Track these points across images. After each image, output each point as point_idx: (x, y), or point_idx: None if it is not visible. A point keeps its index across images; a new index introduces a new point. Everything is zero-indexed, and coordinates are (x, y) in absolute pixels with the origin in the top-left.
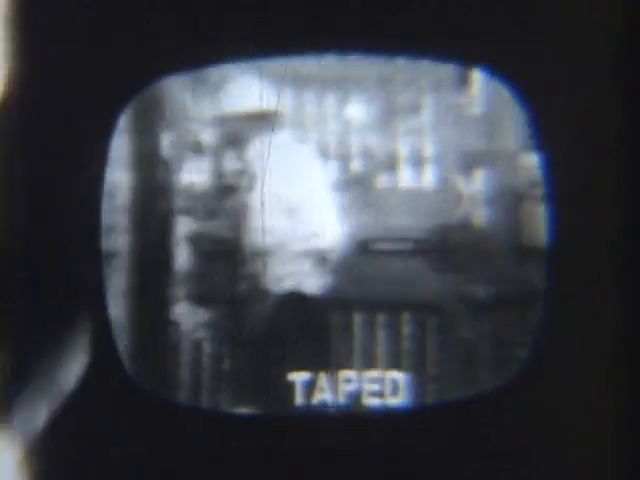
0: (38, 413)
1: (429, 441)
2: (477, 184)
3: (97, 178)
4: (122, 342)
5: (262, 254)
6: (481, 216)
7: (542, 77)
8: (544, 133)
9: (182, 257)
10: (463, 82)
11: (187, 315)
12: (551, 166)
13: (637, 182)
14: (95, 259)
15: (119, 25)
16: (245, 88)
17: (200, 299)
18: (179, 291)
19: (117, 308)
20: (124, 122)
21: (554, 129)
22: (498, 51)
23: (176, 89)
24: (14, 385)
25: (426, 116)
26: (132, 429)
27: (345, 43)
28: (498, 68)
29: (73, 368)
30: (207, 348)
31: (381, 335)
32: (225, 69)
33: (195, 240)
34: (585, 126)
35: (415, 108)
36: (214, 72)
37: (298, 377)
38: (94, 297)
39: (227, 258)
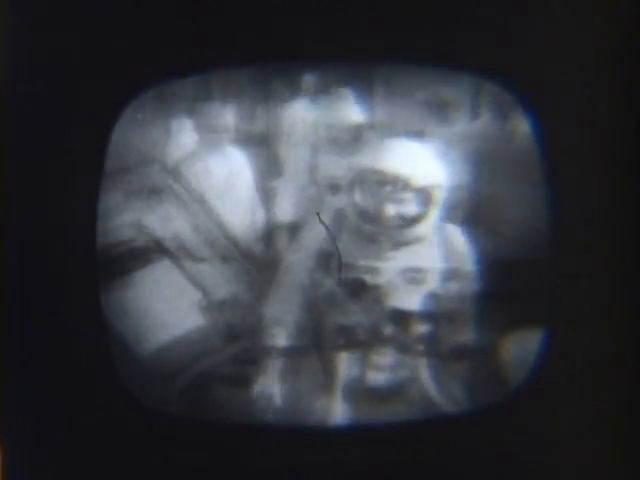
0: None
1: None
2: None
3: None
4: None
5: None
6: None
7: (550, 90)
8: (551, 147)
9: None
10: None
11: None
12: (557, 180)
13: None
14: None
15: (118, 26)
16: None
17: None
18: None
19: None
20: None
21: (561, 144)
22: (510, 63)
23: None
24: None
25: None
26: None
27: (351, 51)
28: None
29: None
30: None
31: None
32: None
33: None
34: (594, 143)
35: None
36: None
37: None
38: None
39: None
